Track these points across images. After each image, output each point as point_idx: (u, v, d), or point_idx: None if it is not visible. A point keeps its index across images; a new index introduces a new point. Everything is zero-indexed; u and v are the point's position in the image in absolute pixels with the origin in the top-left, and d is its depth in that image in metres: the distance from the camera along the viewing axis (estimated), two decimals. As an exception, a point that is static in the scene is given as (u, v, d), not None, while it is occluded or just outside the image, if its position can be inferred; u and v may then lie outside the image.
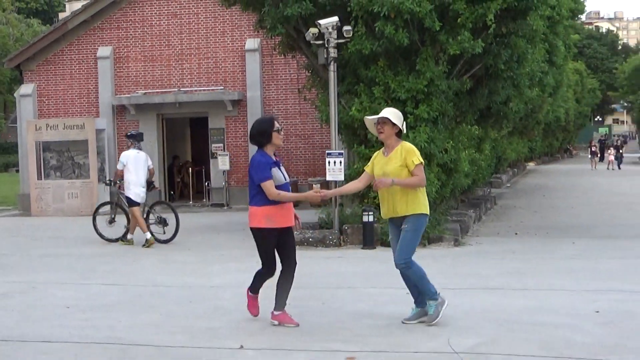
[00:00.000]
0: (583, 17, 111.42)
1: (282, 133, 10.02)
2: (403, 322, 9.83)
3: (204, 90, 30.47)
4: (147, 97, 30.60)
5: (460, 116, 20.46)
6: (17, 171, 40.78)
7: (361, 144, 19.09)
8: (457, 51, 17.98)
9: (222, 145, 30.45)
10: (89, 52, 31.43)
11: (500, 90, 20.63)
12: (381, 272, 14.32)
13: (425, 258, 15.88)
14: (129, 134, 20.75)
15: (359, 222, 18.03)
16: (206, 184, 31.67)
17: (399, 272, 9.92)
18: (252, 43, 29.84)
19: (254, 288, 10.12)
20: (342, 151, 19.20)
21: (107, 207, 20.95)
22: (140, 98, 30.61)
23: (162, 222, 19.56)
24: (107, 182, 21.51)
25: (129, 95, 30.75)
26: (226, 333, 9.56)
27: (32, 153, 29.82)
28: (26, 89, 31.92)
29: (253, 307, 10.22)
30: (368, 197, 18.85)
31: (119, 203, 20.27)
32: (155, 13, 30.95)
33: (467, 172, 21.06)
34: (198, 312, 10.92)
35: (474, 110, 20.94)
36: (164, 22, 30.89)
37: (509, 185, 42.51)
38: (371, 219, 17.59)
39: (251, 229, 9.85)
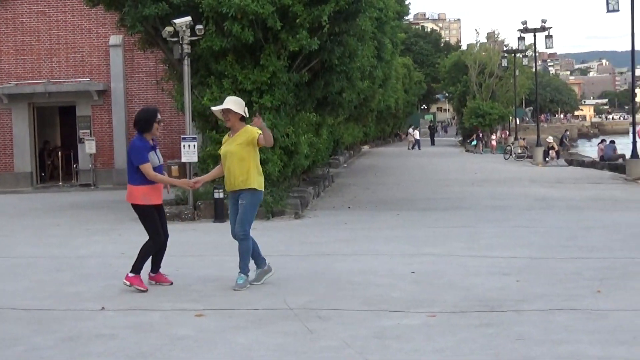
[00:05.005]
0: (411, 17, 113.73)
1: (161, 125, 10.20)
2: (250, 284, 9.94)
3: (71, 81, 29.98)
4: (18, 88, 29.91)
5: (300, 105, 20.72)
6: None
7: (212, 129, 19.21)
8: (296, 48, 18.30)
9: (88, 131, 30.07)
10: (-37, 46, 30.50)
11: (334, 82, 20.96)
12: (229, 242, 14.38)
13: (269, 229, 16.18)
14: None
15: (211, 199, 18.14)
16: (74, 166, 31.22)
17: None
18: (115, 39, 29.52)
19: (138, 268, 9.78)
20: (196, 136, 19.35)
21: None
22: (12, 88, 29.90)
23: None
24: None
25: (1, 86, 29.96)
26: (90, 297, 9.56)
27: None
28: None
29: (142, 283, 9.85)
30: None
31: None
32: (26, 11, 30.23)
33: (306, 154, 21.36)
34: (65, 279, 10.87)
35: (312, 100, 21.25)
36: (34, 19, 30.19)
37: (345, 165, 43.09)
38: (221, 195, 17.67)
39: (132, 205, 9.97)
